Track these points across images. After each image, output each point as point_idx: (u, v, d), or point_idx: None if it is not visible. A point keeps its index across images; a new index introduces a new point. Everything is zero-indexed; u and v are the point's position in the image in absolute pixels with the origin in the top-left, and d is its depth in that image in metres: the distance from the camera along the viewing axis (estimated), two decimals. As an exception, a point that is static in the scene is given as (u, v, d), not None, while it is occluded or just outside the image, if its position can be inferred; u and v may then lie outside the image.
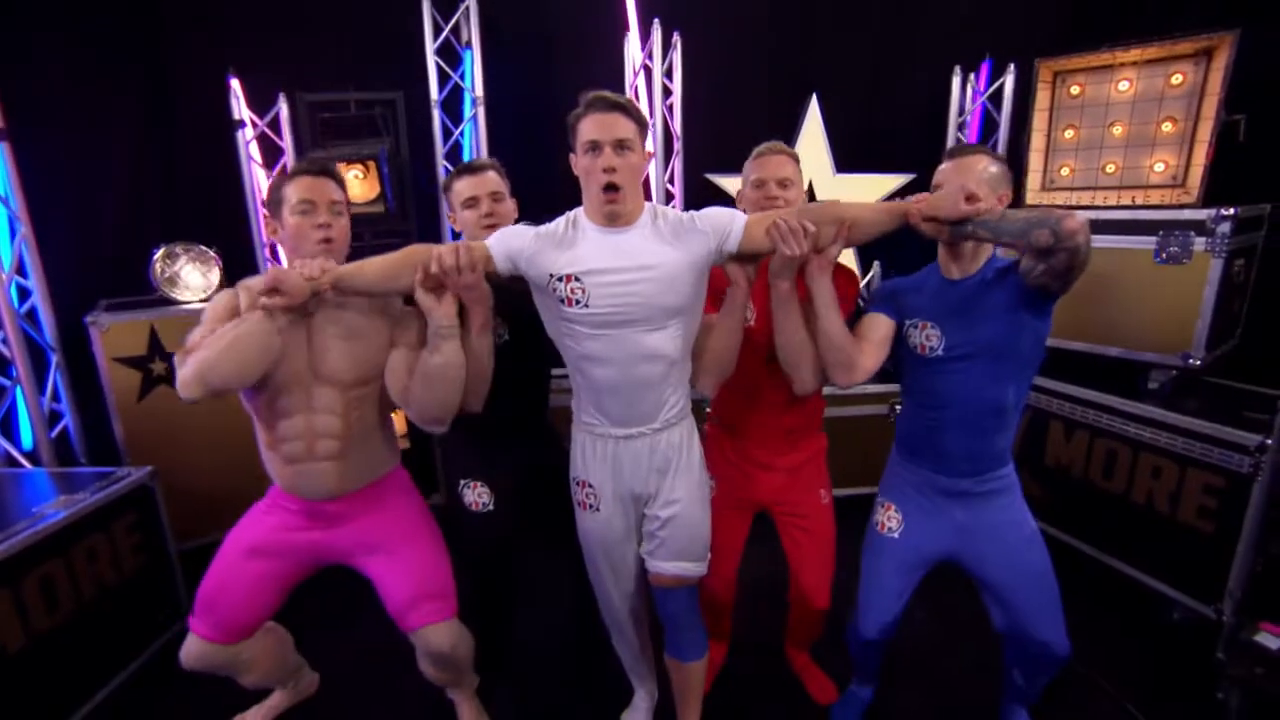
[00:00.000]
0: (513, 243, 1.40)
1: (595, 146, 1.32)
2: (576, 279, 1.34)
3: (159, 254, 2.50)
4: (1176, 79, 2.28)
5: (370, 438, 1.55)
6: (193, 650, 1.53)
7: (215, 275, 2.59)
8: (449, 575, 1.60)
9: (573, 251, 1.36)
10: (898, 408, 2.75)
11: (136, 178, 2.98)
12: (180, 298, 2.52)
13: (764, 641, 2.07)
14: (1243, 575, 1.93)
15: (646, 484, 1.48)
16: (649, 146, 1.47)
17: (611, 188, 1.32)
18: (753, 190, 1.61)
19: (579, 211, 1.40)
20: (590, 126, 1.32)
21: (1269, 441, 1.86)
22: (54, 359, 2.35)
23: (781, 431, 1.70)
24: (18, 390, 2.25)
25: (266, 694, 1.87)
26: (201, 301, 2.53)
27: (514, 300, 1.54)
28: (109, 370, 2.33)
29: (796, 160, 1.64)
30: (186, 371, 1.28)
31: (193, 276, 2.56)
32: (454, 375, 1.41)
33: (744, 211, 1.46)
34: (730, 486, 1.74)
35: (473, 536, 1.69)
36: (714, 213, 1.41)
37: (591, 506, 1.52)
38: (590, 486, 1.50)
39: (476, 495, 1.67)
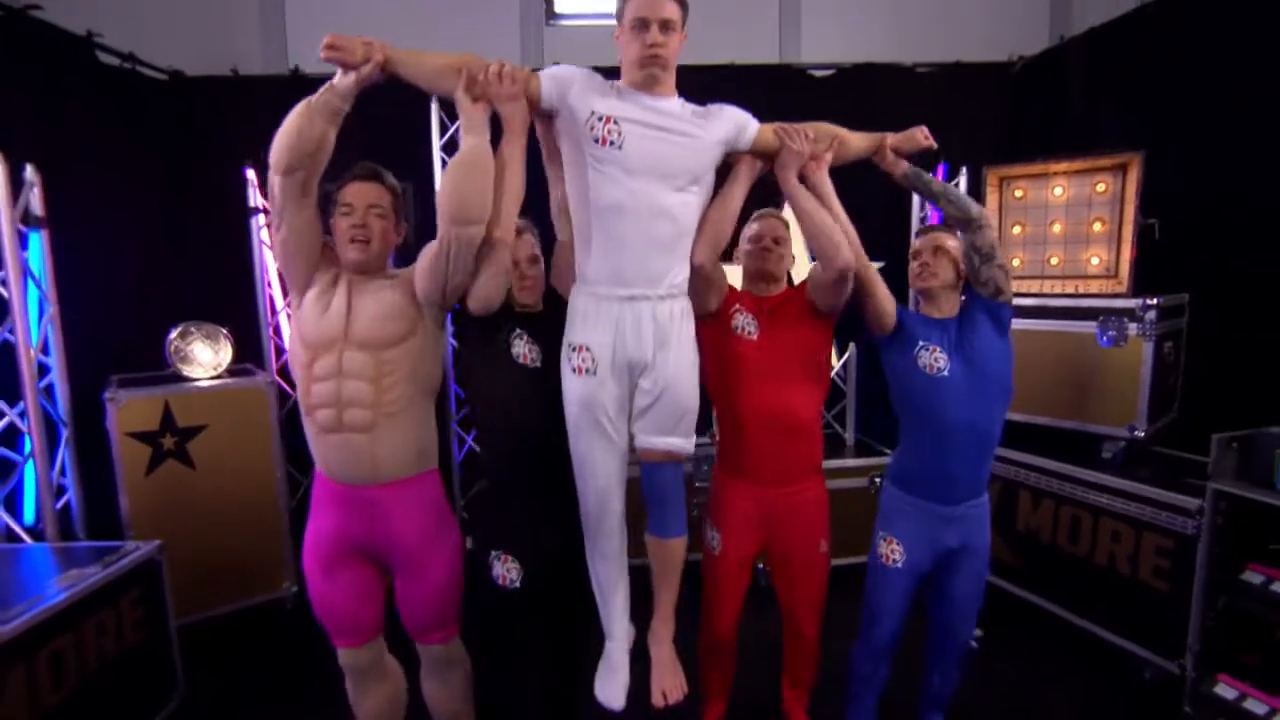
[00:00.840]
0: (564, 73, 1.54)
1: (643, 24, 1.50)
2: (615, 121, 1.50)
3: (175, 332, 2.67)
4: (1100, 187, 2.71)
5: (403, 419, 1.61)
6: (341, 656, 1.71)
7: (226, 353, 2.76)
8: (459, 599, 1.73)
9: (617, 101, 1.53)
10: (878, 480, 2.99)
11: (151, 259, 3.20)
12: (192, 374, 2.67)
13: (760, 702, 2.18)
14: (1198, 630, 2.15)
15: (644, 352, 1.58)
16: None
17: (654, 57, 1.51)
18: (751, 244, 1.87)
19: (619, 80, 1.59)
20: (640, 4, 1.49)
21: (1205, 505, 2.13)
22: (64, 433, 2.45)
23: (784, 465, 1.83)
24: (29, 465, 2.33)
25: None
26: (212, 379, 2.69)
27: (548, 326, 1.67)
28: (121, 445, 2.45)
29: (788, 225, 1.94)
30: None
31: (204, 354, 2.72)
32: (482, 165, 1.50)
33: (739, 265, 1.80)
34: (735, 540, 1.87)
35: (493, 611, 1.69)
36: (733, 109, 1.66)
37: (588, 371, 1.58)
38: (588, 350, 1.58)
39: (505, 569, 1.67)
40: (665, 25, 1.51)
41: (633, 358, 1.59)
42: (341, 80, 1.48)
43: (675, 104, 1.59)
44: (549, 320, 1.70)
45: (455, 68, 1.50)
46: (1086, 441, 2.64)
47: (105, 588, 2.01)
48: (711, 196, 1.67)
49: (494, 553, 1.68)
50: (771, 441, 1.80)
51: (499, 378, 1.67)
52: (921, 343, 1.78)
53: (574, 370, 1.59)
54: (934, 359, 1.76)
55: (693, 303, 1.66)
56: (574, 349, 1.59)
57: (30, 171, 2.31)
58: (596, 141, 1.50)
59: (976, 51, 3.69)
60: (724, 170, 1.72)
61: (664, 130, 1.54)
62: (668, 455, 1.63)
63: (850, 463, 3.08)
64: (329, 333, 1.57)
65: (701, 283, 1.70)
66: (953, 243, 1.81)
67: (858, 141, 1.81)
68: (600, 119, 1.50)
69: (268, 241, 3.27)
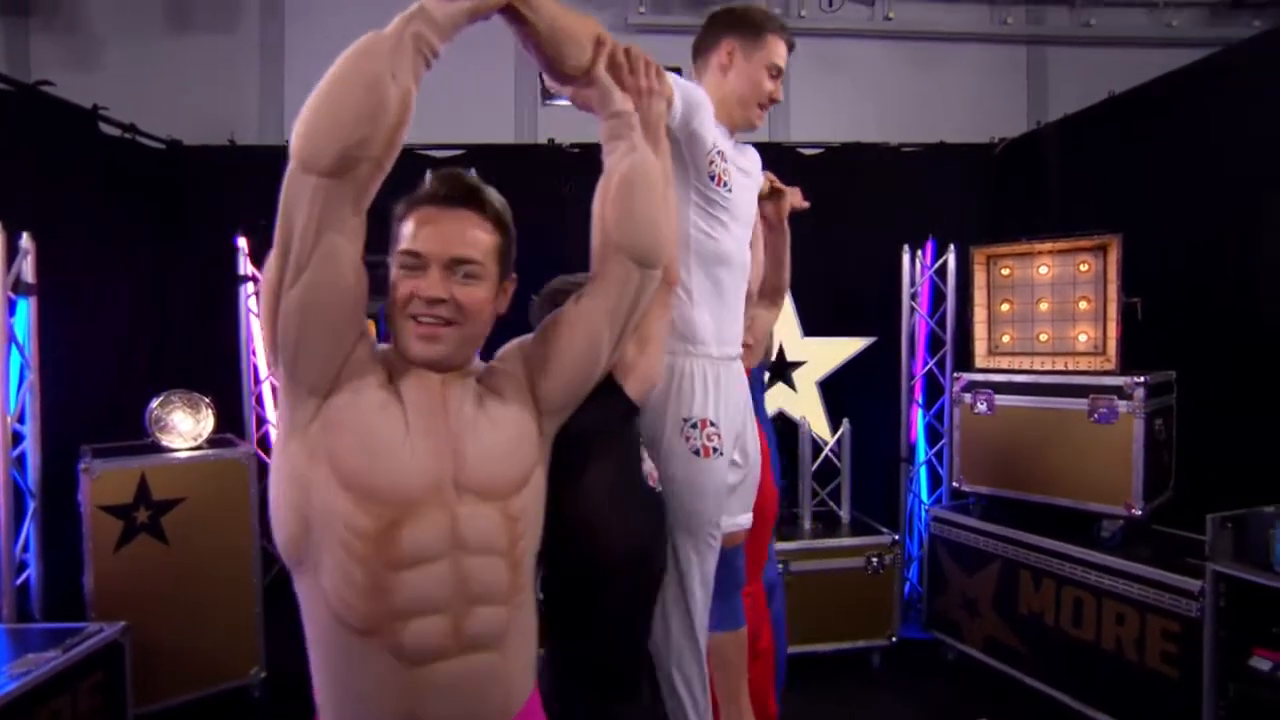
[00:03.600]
0: (695, 92, 1.37)
1: (777, 71, 1.51)
2: (727, 160, 1.45)
3: (157, 401, 2.70)
4: (1084, 266, 2.88)
5: (528, 604, 1.05)
6: None
7: (207, 422, 2.79)
8: None
9: (723, 138, 1.47)
10: (874, 560, 3.01)
11: (137, 325, 3.28)
12: (171, 444, 2.69)
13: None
14: (1212, 720, 2.15)
15: (743, 419, 1.46)
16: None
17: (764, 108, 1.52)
18: None
19: None
20: (780, 53, 1.50)
21: (1206, 586, 2.17)
22: (32, 506, 2.45)
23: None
24: (-8, 540, 2.32)
25: None
26: (191, 450, 2.70)
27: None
28: (92, 518, 2.43)
29: None
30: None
31: (184, 423, 2.75)
32: (659, 182, 1.13)
33: None
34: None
35: None
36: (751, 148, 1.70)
37: (715, 451, 1.36)
38: (713, 426, 1.37)
39: None
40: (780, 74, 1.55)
41: (738, 428, 1.46)
42: (444, 5, 0.92)
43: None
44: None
45: (592, 36, 1.12)
46: (1083, 519, 2.69)
47: (63, 673, 1.96)
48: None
49: None
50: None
51: (631, 509, 1.20)
52: None
53: (698, 452, 1.35)
54: None
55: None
56: (695, 425, 1.37)
57: (25, 239, 2.41)
58: (712, 179, 1.40)
59: (958, 134, 3.96)
60: None
61: (747, 174, 1.55)
62: (745, 534, 1.53)
63: (846, 542, 3.09)
64: (425, 474, 0.95)
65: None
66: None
67: None
68: (719, 154, 1.41)
69: (255, 310, 3.36)
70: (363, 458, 0.93)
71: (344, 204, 0.88)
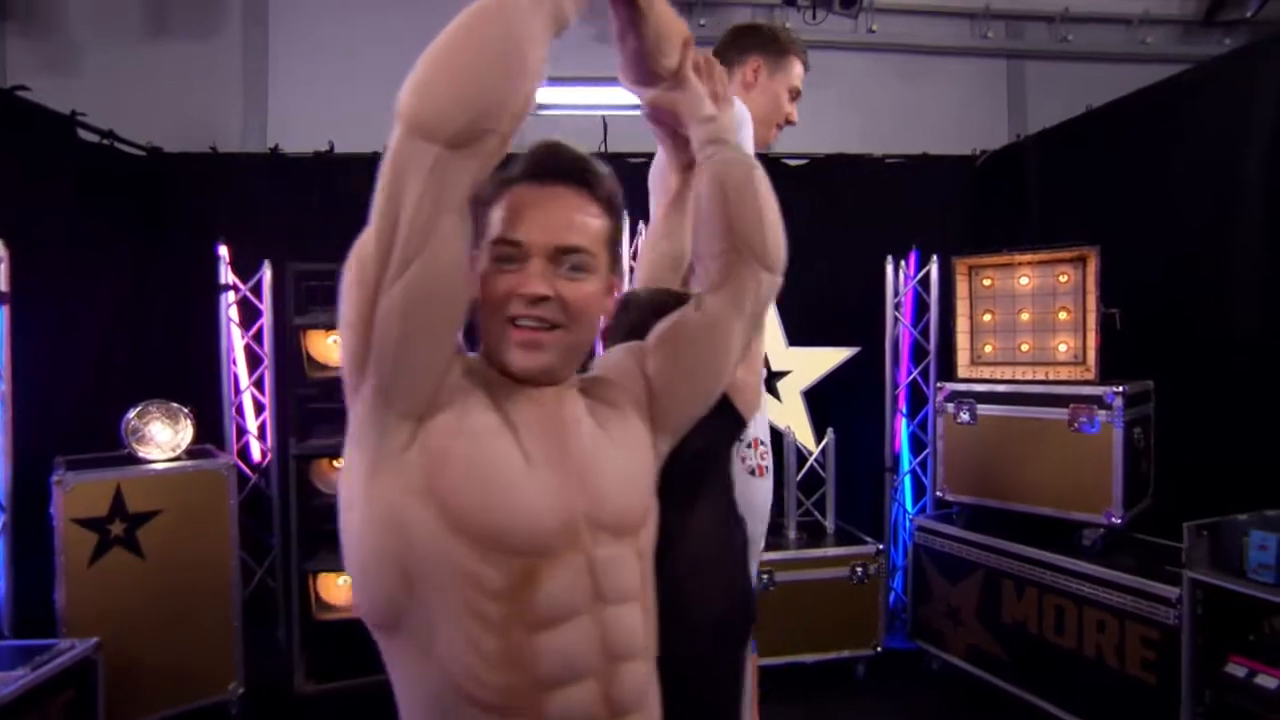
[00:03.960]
0: (743, 108, 1.38)
1: (798, 94, 1.58)
2: None
3: (134, 411, 2.66)
4: (1063, 277, 2.93)
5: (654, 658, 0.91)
6: None
7: (186, 433, 2.75)
8: None
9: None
10: (858, 569, 3.03)
11: (115, 334, 3.23)
12: (148, 455, 2.65)
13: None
14: (1190, 728, 2.18)
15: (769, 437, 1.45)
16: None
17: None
18: None
19: None
20: (802, 74, 1.57)
21: (1183, 594, 2.20)
22: (2, 519, 2.40)
23: None
24: (-39, 555, 2.27)
25: None
26: (169, 461, 2.67)
27: None
28: (65, 532, 2.39)
29: None
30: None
31: (162, 434, 2.71)
32: (761, 176, 1.04)
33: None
34: None
35: None
36: None
37: (767, 470, 1.39)
38: (764, 444, 1.40)
39: None
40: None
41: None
42: None
43: None
44: None
45: (683, 36, 1.06)
46: (1064, 528, 2.72)
47: (31, 692, 1.92)
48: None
49: None
50: None
51: (733, 543, 1.10)
52: None
53: (753, 471, 1.37)
54: None
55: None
56: (749, 444, 1.39)
57: (0, 247, 2.37)
58: None
59: (941, 146, 4.02)
60: None
61: None
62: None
63: (831, 552, 3.10)
64: (557, 513, 0.81)
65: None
66: None
67: None
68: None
69: (235, 319, 3.33)
70: (480, 496, 0.77)
71: (462, 184, 0.73)
